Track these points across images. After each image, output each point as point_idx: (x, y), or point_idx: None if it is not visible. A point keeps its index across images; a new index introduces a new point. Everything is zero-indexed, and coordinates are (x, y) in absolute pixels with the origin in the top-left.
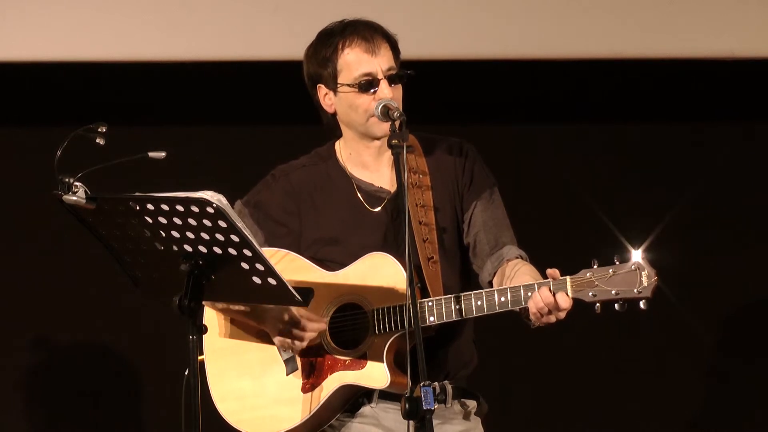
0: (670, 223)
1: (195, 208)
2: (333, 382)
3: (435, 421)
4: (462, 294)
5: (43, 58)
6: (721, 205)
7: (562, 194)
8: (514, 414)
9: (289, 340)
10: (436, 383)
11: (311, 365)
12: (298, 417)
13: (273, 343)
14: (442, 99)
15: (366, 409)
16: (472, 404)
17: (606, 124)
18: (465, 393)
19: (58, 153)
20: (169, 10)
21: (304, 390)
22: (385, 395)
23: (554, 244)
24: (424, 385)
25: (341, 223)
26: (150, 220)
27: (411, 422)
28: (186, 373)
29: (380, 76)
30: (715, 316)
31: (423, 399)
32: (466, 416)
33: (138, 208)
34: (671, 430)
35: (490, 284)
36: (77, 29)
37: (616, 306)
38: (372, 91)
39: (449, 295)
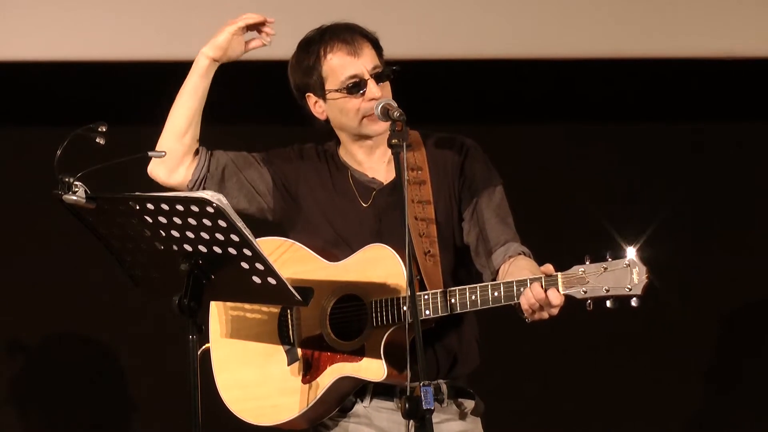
0: (670, 223)
1: (195, 208)
2: (332, 373)
3: (433, 421)
4: (457, 288)
5: (43, 58)
6: (720, 205)
7: (562, 194)
8: (514, 414)
9: None
10: (430, 382)
11: (312, 356)
12: (297, 408)
13: (276, 333)
14: (442, 99)
15: (359, 409)
16: (469, 404)
17: (606, 124)
18: (462, 392)
19: (58, 153)
20: (169, 10)
21: (305, 381)
22: (378, 394)
23: (553, 244)
24: (424, 385)
25: (334, 214)
26: (150, 220)
27: (411, 422)
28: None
29: (366, 76)
30: (715, 316)
31: (423, 399)
32: (463, 416)
33: (138, 207)
34: (671, 430)
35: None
36: (77, 29)
37: (608, 303)
38: (361, 92)
39: (444, 289)
